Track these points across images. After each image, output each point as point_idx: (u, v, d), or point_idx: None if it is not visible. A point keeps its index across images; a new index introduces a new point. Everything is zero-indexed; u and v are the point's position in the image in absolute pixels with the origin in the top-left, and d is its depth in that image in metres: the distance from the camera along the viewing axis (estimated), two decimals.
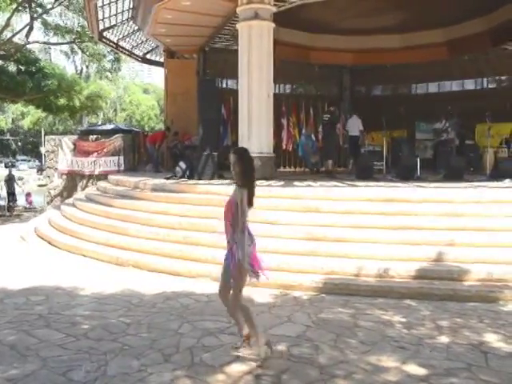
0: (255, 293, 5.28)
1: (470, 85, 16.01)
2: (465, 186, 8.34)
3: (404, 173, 10.36)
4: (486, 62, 15.26)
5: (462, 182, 9.12)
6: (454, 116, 11.77)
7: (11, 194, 20.00)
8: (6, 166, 45.21)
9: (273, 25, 10.53)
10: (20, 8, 19.43)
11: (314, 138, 14.19)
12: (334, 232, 6.67)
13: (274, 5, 10.54)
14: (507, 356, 3.85)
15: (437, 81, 16.47)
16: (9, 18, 19.67)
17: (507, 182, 9.14)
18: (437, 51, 15.34)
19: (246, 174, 3.67)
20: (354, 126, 12.85)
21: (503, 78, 15.82)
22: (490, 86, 15.89)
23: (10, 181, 20.37)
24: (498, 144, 12.12)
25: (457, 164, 10.30)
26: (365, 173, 10.72)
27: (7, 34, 22.19)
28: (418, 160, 10.69)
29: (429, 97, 16.29)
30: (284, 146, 14.87)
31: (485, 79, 15.80)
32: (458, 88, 16.14)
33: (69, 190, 16.71)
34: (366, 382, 3.42)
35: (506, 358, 3.81)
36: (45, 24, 22.08)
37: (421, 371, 3.57)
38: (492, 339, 4.19)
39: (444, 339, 4.20)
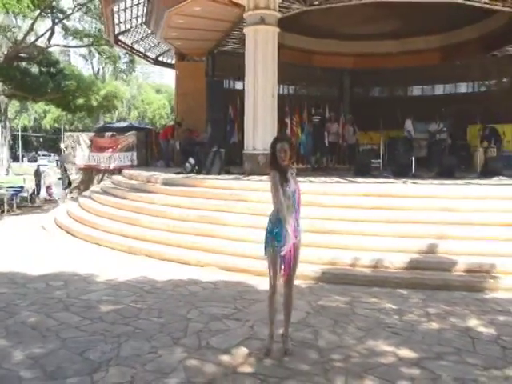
0: (257, 281, 5.30)
1: (462, 88, 16.00)
2: (456, 182, 8.30)
3: (400, 170, 10.31)
4: (478, 67, 15.18)
5: (454, 179, 9.08)
6: (447, 117, 11.68)
7: (37, 187, 20.16)
8: (29, 161, 45.48)
9: (278, 29, 10.47)
10: (43, 14, 19.42)
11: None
12: (333, 225, 6.65)
13: (279, 11, 10.50)
14: (492, 341, 3.85)
15: (431, 84, 16.43)
16: (32, 24, 19.68)
17: (496, 179, 9.09)
18: (431, 56, 15.28)
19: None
20: (408, 127, 12.57)
21: (492, 82, 15.78)
22: (481, 90, 15.84)
23: (37, 175, 20.58)
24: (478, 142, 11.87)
25: (449, 162, 10.24)
26: (362, 170, 10.69)
27: (31, 37, 22.21)
28: (413, 158, 10.63)
29: (423, 99, 16.24)
30: None
31: (476, 83, 15.76)
32: (451, 91, 16.11)
33: (85, 183, 16.77)
34: (362, 364, 3.42)
35: (490, 343, 3.81)
36: (65, 28, 22.08)
37: (413, 355, 3.57)
38: (477, 325, 4.19)
39: (434, 325, 4.20)
